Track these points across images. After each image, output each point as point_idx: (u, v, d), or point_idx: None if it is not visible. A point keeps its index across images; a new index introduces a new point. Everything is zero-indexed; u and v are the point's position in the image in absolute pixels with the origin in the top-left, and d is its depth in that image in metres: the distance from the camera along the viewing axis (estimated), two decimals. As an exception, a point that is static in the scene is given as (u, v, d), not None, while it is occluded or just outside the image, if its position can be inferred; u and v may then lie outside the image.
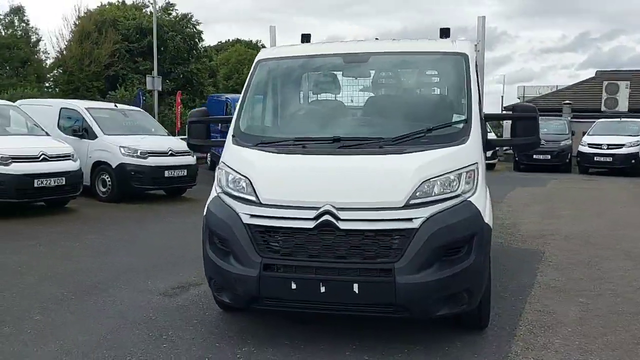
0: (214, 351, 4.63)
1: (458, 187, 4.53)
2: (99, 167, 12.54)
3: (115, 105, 14.67)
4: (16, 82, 42.20)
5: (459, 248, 4.39)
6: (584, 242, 8.98)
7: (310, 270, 4.33)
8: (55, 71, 46.18)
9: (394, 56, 5.68)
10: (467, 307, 4.48)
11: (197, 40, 48.65)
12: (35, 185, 10.11)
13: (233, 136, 5.16)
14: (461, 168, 4.60)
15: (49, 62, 48.14)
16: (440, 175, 4.49)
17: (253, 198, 4.57)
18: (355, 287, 4.24)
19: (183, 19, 53.03)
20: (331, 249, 4.33)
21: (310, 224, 4.33)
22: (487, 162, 5.61)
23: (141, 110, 15.51)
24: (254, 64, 5.79)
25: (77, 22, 47.64)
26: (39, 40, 47.51)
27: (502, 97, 50.31)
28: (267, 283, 4.38)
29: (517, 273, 7.06)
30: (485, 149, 5.19)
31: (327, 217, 4.32)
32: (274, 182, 4.62)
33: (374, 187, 4.44)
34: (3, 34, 45.84)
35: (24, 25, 48.00)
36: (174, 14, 53.10)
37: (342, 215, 4.31)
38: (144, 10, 52.39)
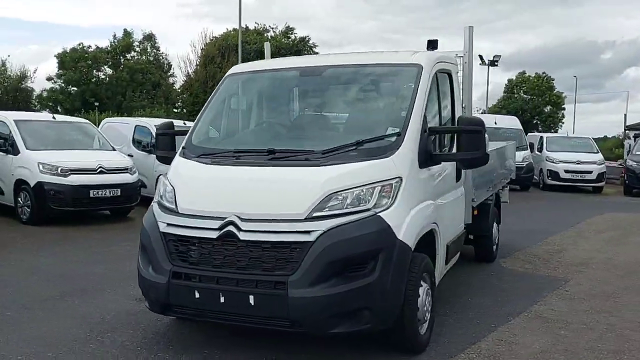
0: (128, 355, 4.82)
1: (370, 201, 4.37)
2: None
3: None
4: (147, 104, 46.22)
5: (362, 264, 4.22)
6: (626, 272, 8.12)
7: (212, 280, 4.36)
8: (183, 94, 49.75)
9: (348, 69, 5.60)
10: (370, 326, 4.28)
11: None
12: (91, 195, 10.95)
13: (183, 148, 5.35)
14: (377, 182, 4.44)
15: (177, 85, 52.25)
16: (349, 189, 4.36)
17: (173, 207, 4.72)
18: (251, 299, 4.22)
19: (301, 42, 55.03)
20: (233, 260, 4.34)
21: (214, 234, 4.39)
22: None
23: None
24: (223, 78, 6.00)
25: (203, 48, 51.17)
26: (170, 66, 51.68)
27: (625, 115, 46.22)
28: (175, 291, 4.47)
29: (515, 300, 6.55)
30: (426, 163, 4.93)
31: (230, 227, 4.35)
32: (192, 192, 4.74)
33: (279, 199, 4.42)
34: (137, 59, 50.67)
35: (155, 51, 52.63)
36: (292, 37, 55.45)
37: (243, 226, 4.32)
38: (265, 35, 54.99)
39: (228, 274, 4.34)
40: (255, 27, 56.49)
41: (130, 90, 47.03)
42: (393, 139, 4.79)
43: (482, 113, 57.46)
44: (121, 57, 52.10)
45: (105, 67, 52.10)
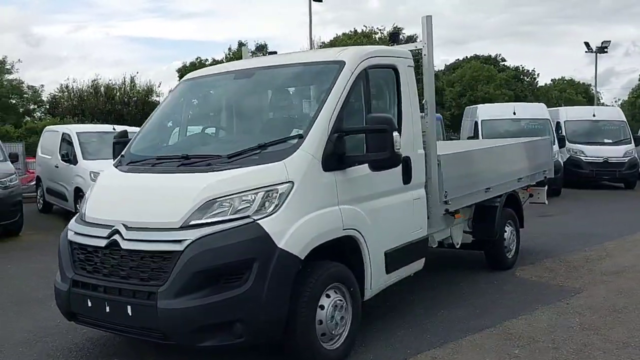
0: None
1: (251, 207, 4.18)
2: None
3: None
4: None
5: (236, 274, 4.03)
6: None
7: (100, 289, 4.38)
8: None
9: (278, 69, 5.41)
10: (244, 340, 4.07)
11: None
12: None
13: (121, 156, 5.43)
14: (261, 187, 4.24)
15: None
16: (230, 195, 4.20)
17: (82, 215, 4.82)
18: (129, 309, 4.18)
19: (408, 41, 53.89)
20: (117, 269, 4.33)
21: (103, 243, 4.41)
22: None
23: None
24: (177, 84, 6.05)
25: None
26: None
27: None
28: (74, 299, 4.54)
29: (494, 313, 5.96)
30: (335, 166, 4.61)
31: (115, 236, 4.35)
32: (97, 201, 4.82)
33: (159, 207, 4.36)
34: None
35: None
36: (400, 37, 54.73)
37: (126, 234, 4.30)
38: (373, 37, 54.82)
39: (113, 283, 4.33)
40: (362, 30, 56.50)
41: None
42: (295, 141, 4.54)
43: (620, 105, 52.87)
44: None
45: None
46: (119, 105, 43.92)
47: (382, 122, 4.53)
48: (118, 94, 44.60)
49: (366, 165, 4.86)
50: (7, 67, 40.08)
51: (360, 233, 4.80)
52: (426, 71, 5.98)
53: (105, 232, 4.41)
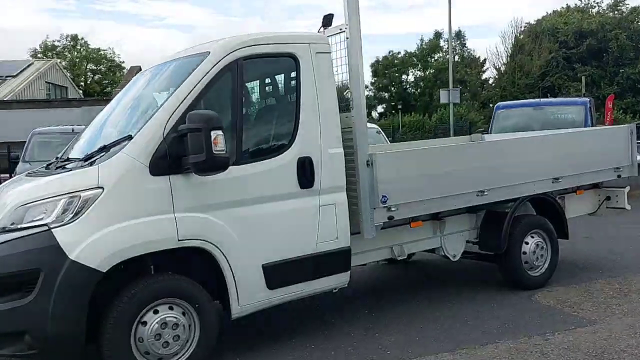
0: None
1: (50, 215, 4.00)
2: None
3: None
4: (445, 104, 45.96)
5: (26, 284, 3.88)
6: None
7: None
8: (496, 89, 47.85)
9: (161, 66, 5.13)
10: (38, 351, 3.91)
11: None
12: None
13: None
14: (64, 194, 4.04)
15: (491, 81, 50.50)
16: (34, 202, 4.09)
17: None
18: None
19: (632, 13, 47.19)
20: None
21: None
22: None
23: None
24: None
25: (517, 36, 48.53)
26: (484, 61, 50.23)
27: None
28: None
29: (442, 341, 4.93)
30: (168, 170, 4.20)
31: None
32: None
33: None
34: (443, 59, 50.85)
35: (461, 48, 52.01)
36: (622, 9, 48.15)
37: None
38: (589, 11, 49.28)
39: None
40: (576, 5, 51.03)
41: (436, 89, 47.50)
42: (125, 143, 4.26)
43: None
44: (428, 59, 53.13)
45: (414, 70, 53.89)
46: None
47: (198, 121, 4.00)
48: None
49: (231, 167, 4.38)
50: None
51: (213, 244, 4.32)
52: (352, 58, 5.12)
53: None
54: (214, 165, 4.07)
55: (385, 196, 5.16)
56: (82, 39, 56.12)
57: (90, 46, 56.23)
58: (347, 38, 5.13)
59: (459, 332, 5.18)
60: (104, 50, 56.66)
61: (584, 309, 5.62)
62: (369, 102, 52.17)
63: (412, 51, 52.81)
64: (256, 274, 4.55)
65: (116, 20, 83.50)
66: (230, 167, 4.34)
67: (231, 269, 4.41)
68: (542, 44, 45.96)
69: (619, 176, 7.04)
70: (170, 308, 4.22)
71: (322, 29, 5.40)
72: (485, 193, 5.83)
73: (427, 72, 52.71)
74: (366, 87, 53.29)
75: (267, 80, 5.06)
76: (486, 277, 6.76)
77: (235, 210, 4.47)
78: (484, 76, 52.06)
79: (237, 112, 4.55)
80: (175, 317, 4.22)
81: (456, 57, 51.89)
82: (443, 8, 39.91)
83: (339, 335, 5.20)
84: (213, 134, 3.98)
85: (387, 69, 52.78)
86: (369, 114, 53.01)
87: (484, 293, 6.27)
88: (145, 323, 4.13)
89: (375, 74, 52.91)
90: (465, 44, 53.60)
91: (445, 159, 5.73)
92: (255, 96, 4.95)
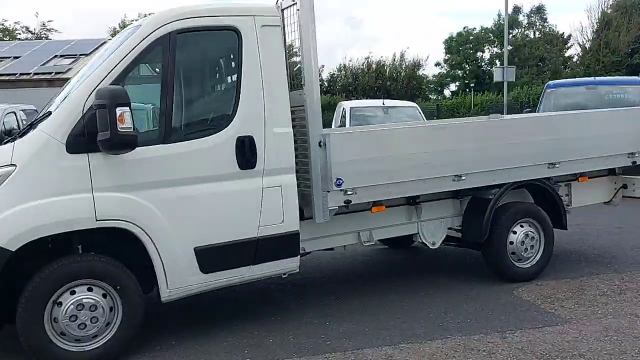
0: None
1: None
2: None
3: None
4: (528, 80, 43.93)
5: None
6: None
7: None
8: (581, 66, 45.24)
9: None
10: None
11: None
12: None
13: None
14: None
15: (575, 58, 47.70)
16: None
17: None
18: None
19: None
20: None
21: None
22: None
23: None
24: None
25: (604, 11, 45.50)
26: (568, 37, 47.43)
27: None
28: None
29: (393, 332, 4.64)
30: (85, 148, 4.09)
31: None
32: None
33: None
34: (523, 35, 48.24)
35: (542, 23, 49.22)
36: None
37: None
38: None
39: None
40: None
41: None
42: (45, 120, 4.23)
43: None
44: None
45: (490, 46, 51.60)
46: (388, 81, 45.39)
47: (103, 97, 3.88)
48: (388, 70, 46.14)
49: (159, 146, 4.28)
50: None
51: (136, 225, 4.22)
52: (304, 32, 4.82)
53: None
54: (119, 143, 3.94)
55: (341, 179, 4.87)
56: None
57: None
58: (297, 10, 4.84)
59: (415, 324, 4.87)
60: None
61: (564, 307, 5.14)
62: (441, 80, 50.74)
63: (489, 27, 50.57)
64: (187, 257, 4.41)
65: None
66: (158, 146, 4.26)
67: (158, 251, 4.30)
68: (632, 18, 42.81)
69: (633, 163, 6.36)
70: (90, 289, 4.16)
71: (279, 0, 5.13)
72: (463, 178, 5.41)
73: (503, 49, 50.42)
74: (438, 64, 52.00)
75: (206, 55, 4.85)
76: (482, 266, 6.32)
77: (165, 191, 4.34)
78: (567, 53, 49.20)
79: (167, 88, 4.38)
80: (94, 299, 4.15)
81: (536, 34, 49.49)
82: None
83: (290, 322, 5.01)
84: (119, 110, 3.85)
85: (461, 45, 50.86)
86: (440, 92, 51.84)
87: (465, 284, 5.88)
88: (60, 304, 4.08)
89: (448, 50, 51.10)
90: (546, 18, 50.72)
91: (411, 140, 5.35)
92: (191, 72, 4.75)
